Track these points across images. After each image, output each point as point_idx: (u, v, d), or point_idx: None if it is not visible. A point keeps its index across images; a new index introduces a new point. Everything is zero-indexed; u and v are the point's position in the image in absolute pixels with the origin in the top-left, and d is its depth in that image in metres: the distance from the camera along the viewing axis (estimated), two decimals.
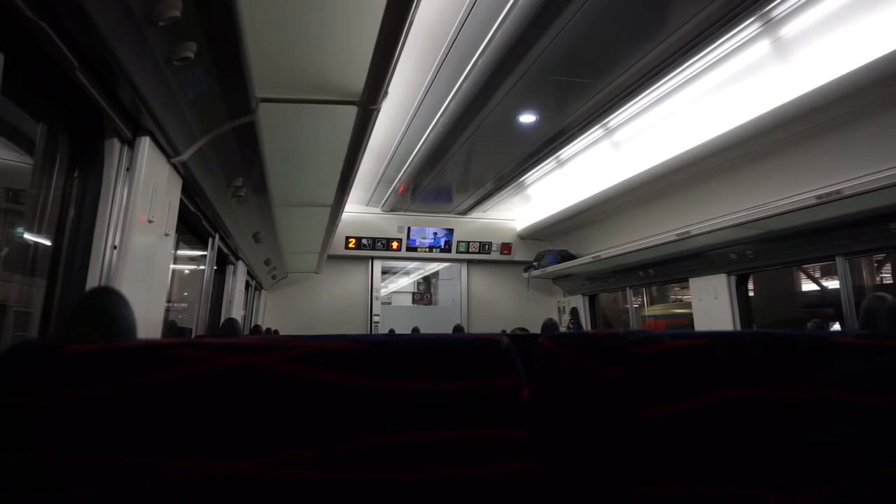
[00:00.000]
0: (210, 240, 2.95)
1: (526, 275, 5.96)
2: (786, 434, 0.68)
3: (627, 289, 5.12)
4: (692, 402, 0.66)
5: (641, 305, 9.95)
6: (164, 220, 1.76)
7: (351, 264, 6.26)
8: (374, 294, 6.31)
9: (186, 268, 3.63)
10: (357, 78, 1.55)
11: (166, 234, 1.78)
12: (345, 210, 5.71)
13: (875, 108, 2.48)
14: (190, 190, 2.11)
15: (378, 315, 6.23)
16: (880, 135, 2.54)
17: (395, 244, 6.01)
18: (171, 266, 3.65)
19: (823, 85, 2.46)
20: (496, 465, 0.63)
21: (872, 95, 2.38)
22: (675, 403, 0.66)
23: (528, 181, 4.84)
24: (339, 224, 5.78)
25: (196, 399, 0.56)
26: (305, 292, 6.19)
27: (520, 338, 1.49)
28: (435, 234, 6.01)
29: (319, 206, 3.09)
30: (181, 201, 2.01)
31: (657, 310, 9.63)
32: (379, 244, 6.02)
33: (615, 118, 3.49)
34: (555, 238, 5.72)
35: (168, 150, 1.68)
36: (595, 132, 3.73)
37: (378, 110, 1.80)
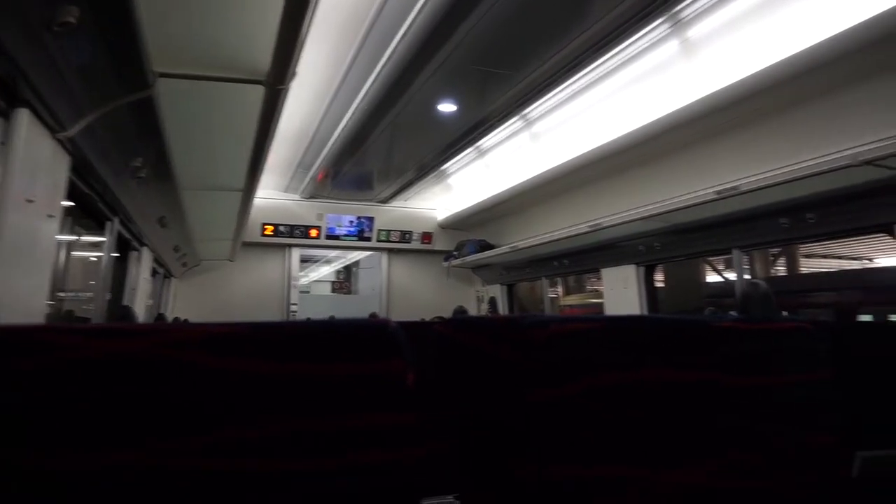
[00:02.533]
0: (108, 224, 2.76)
1: (446, 264, 5.99)
2: (669, 415, 0.71)
3: (543, 278, 5.25)
4: (582, 385, 0.67)
5: (560, 295, 10.28)
6: (47, 200, 1.61)
7: (268, 252, 6.07)
8: (293, 282, 6.15)
9: (92, 254, 3.39)
10: (262, 56, 1.47)
11: (50, 216, 1.64)
12: (261, 196, 5.56)
13: (772, 109, 2.64)
14: (81, 169, 1.96)
15: (296, 304, 6.08)
16: (775, 135, 2.71)
17: (313, 232, 5.88)
18: (74, 253, 3.40)
19: (725, 87, 2.59)
20: (384, 452, 0.61)
21: (769, 97, 2.54)
22: (565, 386, 0.66)
23: (450, 170, 4.86)
24: (255, 210, 5.58)
25: (66, 386, 0.50)
26: (220, 280, 5.95)
27: (419, 324, 1.48)
28: (353, 222, 5.92)
29: (229, 190, 2.95)
30: (71, 181, 1.86)
31: (574, 299, 9.98)
32: (297, 232, 5.86)
33: (534, 110, 3.55)
34: (475, 228, 5.78)
35: (52, 124, 1.54)
36: (515, 123, 3.78)
37: (286, 91, 1.73)
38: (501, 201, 4.73)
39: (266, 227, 5.79)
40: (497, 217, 5.23)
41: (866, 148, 2.11)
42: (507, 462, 0.66)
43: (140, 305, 3.71)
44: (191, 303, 5.79)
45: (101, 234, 2.87)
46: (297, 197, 5.80)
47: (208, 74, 1.63)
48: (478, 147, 4.23)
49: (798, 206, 2.74)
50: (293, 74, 1.61)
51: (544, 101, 3.40)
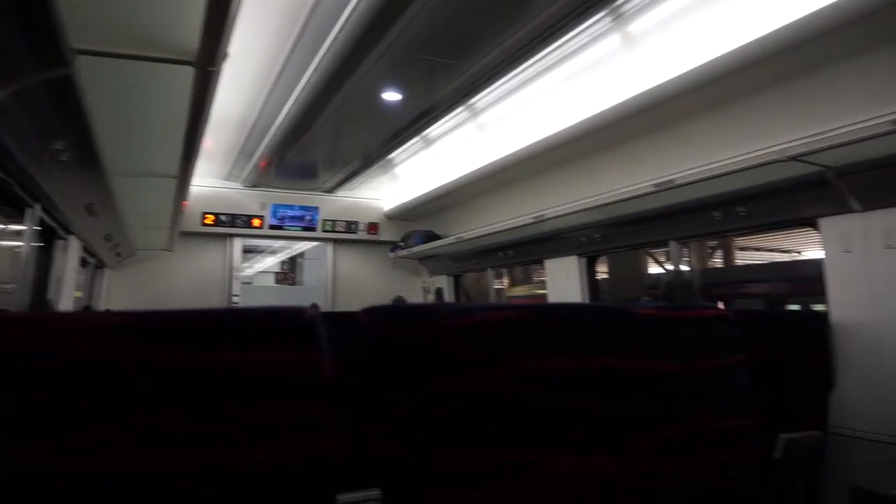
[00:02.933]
0: (29, 211, 2.60)
1: (392, 255, 5.95)
2: (588, 400, 0.71)
3: (489, 269, 5.29)
4: (502, 372, 0.66)
5: (508, 286, 10.39)
6: None
7: (208, 242, 5.88)
8: (234, 273, 5.99)
9: (17, 244, 3.19)
10: (190, 35, 1.40)
11: None
12: (200, 184, 5.39)
13: (706, 106, 2.72)
14: None
15: (238, 295, 5.93)
16: (710, 130, 2.80)
17: (256, 221, 5.73)
18: None
19: (663, 83, 2.65)
20: (296, 444, 0.59)
21: (703, 94, 2.61)
22: (485, 373, 0.65)
23: (396, 160, 4.82)
24: (194, 198, 5.41)
25: None
26: (157, 271, 5.73)
27: (342, 314, 1.45)
28: (296, 212, 5.81)
29: (163, 177, 2.83)
30: None
31: (522, 290, 10.11)
32: (239, 221, 5.70)
33: (480, 100, 3.55)
34: (421, 219, 5.76)
35: None
36: (461, 113, 3.77)
37: (217, 73, 1.66)
38: (448, 192, 4.73)
39: (206, 216, 5.61)
40: (444, 208, 5.22)
41: (792, 144, 2.20)
42: (430, 453, 0.65)
43: (67, 297, 3.53)
44: (126, 295, 5.56)
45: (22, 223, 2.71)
46: (239, 185, 5.64)
47: (132, 53, 1.54)
48: (424, 137, 4.21)
49: (730, 200, 2.84)
50: (224, 56, 1.55)
51: (490, 92, 3.40)
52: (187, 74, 1.64)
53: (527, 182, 4.04)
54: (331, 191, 5.76)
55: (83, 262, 4.33)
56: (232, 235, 5.90)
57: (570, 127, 3.23)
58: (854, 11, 1.94)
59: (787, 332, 2.36)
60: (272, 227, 5.78)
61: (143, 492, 0.52)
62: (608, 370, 0.74)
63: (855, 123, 2.04)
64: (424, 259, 6.00)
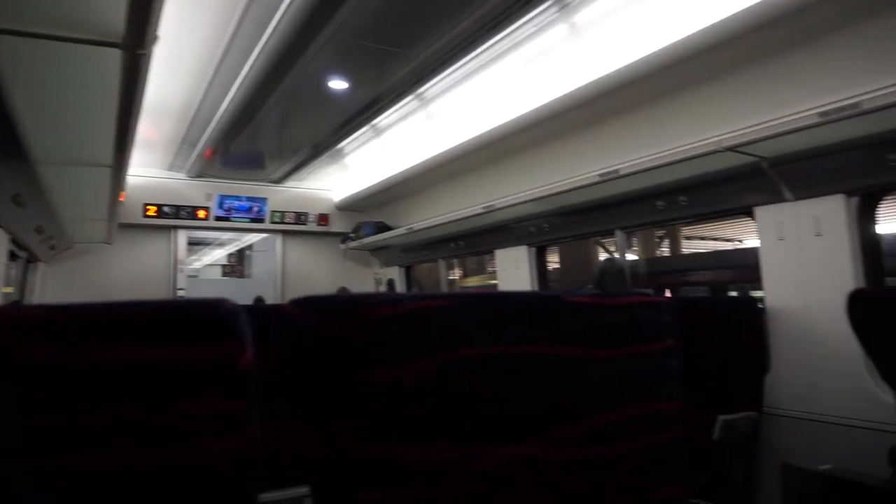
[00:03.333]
0: None
1: (343, 246, 5.88)
2: (518, 389, 0.70)
3: (440, 260, 5.29)
4: (429, 362, 0.65)
5: (461, 277, 10.43)
6: None
7: (151, 234, 5.68)
8: (179, 266, 5.80)
9: None
10: (115, 14, 1.33)
11: None
12: (141, 174, 5.20)
13: (649, 96, 2.77)
14: None
15: (183, 289, 5.75)
16: (653, 121, 2.86)
17: (201, 213, 5.55)
18: None
19: (608, 74, 2.69)
20: (207, 442, 0.56)
21: (646, 85, 2.66)
22: (412, 364, 0.64)
23: (346, 150, 4.74)
24: (135, 189, 5.21)
25: None
26: (96, 265, 5.50)
27: (270, 307, 1.42)
28: (243, 203, 5.66)
29: (96, 165, 2.70)
30: None
31: (475, 281, 10.17)
32: (183, 213, 5.52)
33: (429, 90, 3.53)
34: (372, 209, 5.71)
35: None
36: (410, 103, 3.73)
37: (148, 56, 1.58)
38: (399, 182, 4.69)
39: (148, 207, 5.41)
40: (395, 198, 5.18)
41: (728, 135, 2.27)
42: (359, 448, 0.63)
43: None
44: (63, 289, 5.31)
45: None
46: (182, 176, 5.46)
47: (53, 33, 1.45)
48: (374, 126, 4.15)
49: (673, 190, 2.91)
50: (154, 39, 1.47)
51: (439, 81, 3.38)
52: (115, 57, 1.56)
53: (477, 172, 4.05)
54: (279, 181, 5.63)
55: (12, 256, 4.11)
56: (176, 227, 5.71)
57: (519, 117, 3.24)
58: (786, 7, 2.00)
59: (724, 318, 2.44)
60: (218, 218, 5.61)
61: (41, 498, 0.49)
62: (538, 358, 0.73)
63: (786, 116, 2.11)
64: (376, 250, 5.96)
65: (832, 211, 2.32)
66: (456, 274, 9.92)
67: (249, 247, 7.33)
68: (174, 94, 3.60)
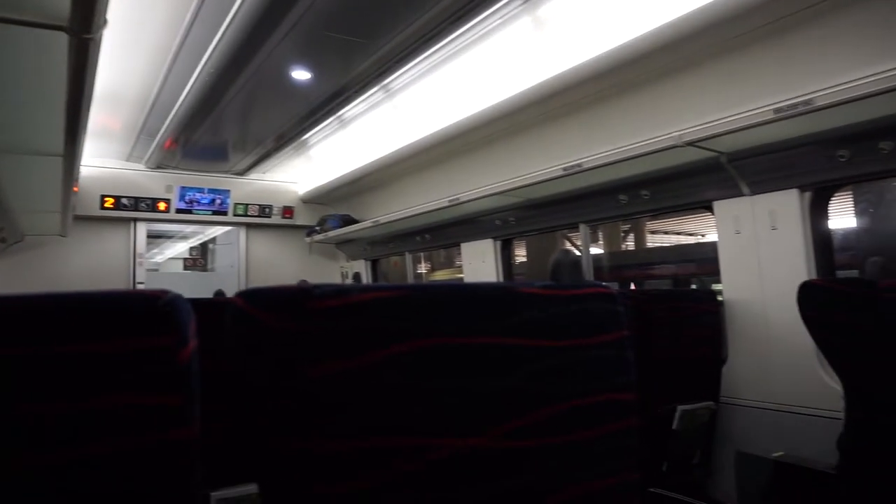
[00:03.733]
0: None
1: (308, 239, 5.81)
2: (471, 380, 0.70)
3: (407, 253, 5.27)
4: (379, 354, 0.64)
5: (429, 270, 10.43)
6: None
7: (109, 226, 5.51)
8: (139, 260, 5.65)
9: None
10: None
11: None
12: (97, 164, 5.04)
13: (611, 93, 2.80)
14: None
15: (143, 283, 5.61)
16: (615, 116, 2.89)
17: (161, 205, 5.41)
18: None
19: (572, 68, 2.70)
20: (146, 435, 0.54)
21: (608, 81, 2.69)
22: (361, 356, 0.63)
23: (311, 142, 4.68)
24: (91, 180, 5.05)
25: None
26: (51, 258, 5.31)
27: (214, 301, 1.39)
28: (206, 195, 5.54)
29: (46, 155, 2.60)
30: None
31: (444, 274, 10.18)
32: (143, 205, 5.37)
33: (394, 81, 3.49)
34: (338, 202, 5.65)
35: None
36: (375, 94, 3.70)
37: (97, 42, 1.52)
38: (365, 175, 4.65)
39: (106, 199, 5.24)
40: (361, 191, 5.14)
41: (688, 130, 2.30)
42: (307, 443, 0.62)
43: None
44: (15, 283, 5.12)
45: None
46: (142, 167, 5.30)
47: None
48: (339, 118, 4.10)
49: (635, 184, 2.95)
50: (102, 23, 1.42)
51: (404, 73, 3.35)
52: (62, 42, 1.50)
53: (443, 165, 4.04)
54: (243, 173, 5.53)
55: None
56: (135, 220, 5.56)
57: (484, 110, 3.24)
58: (747, 4, 2.04)
59: (684, 310, 2.49)
60: (179, 210, 5.48)
61: None
62: (491, 348, 0.73)
63: (745, 112, 2.15)
64: (342, 243, 5.90)
65: (787, 205, 2.38)
66: (424, 268, 9.93)
67: (213, 240, 7.19)
68: (131, 82, 3.50)
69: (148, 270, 5.86)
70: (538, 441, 0.73)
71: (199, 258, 6.66)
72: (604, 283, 0.90)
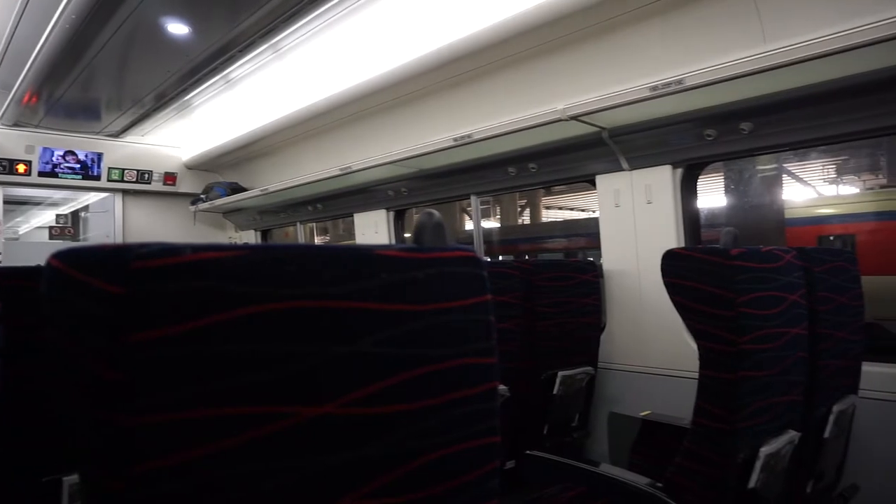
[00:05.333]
0: None
1: (193, 208, 5.48)
2: (321, 345, 0.67)
3: (299, 224, 5.11)
4: (216, 318, 0.59)
5: (329, 242, 10.22)
6: None
7: None
8: None
9: None
10: None
11: None
12: None
13: (503, 63, 2.82)
14: None
15: (0, 253, 5.06)
16: (506, 90, 2.92)
17: (21, 167, 4.87)
18: None
19: (465, 37, 2.70)
20: None
21: (501, 52, 2.70)
22: (196, 320, 0.58)
23: (195, 103, 4.37)
24: None
25: None
26: None
27: (35, 268, 1.27)
28: (75, 157, 5.05)
29: None
30: None
31: None
32: None
33: (282, 40, 3.32)
34: (226, 169, 5.36)
35: None
36: (264, 52, 3.50)
37: None
38: (254, 141, 4.43)
39: None
40: (250, 158, 4.90)
41: (571, 105, 2.36)
42: (131, 417, 0.56)
43: None
44: None
45: None
46: None
47: None
48: (225, 77, 3.86)
49: (523, 157, 3.00)
50: None
51: (294, 31, 3.19)
52: None
53: (335, 133, 3.93)
54: (118, 135, 5.09)
55: None
56: None
57: (377, 77, 3.17)
58: None
59: (566, 280, 2.58)
60: (42, 174, 4.96)
61: None
62: (345, 313, 0.70)
63: (624, 89, 2.24)
64: (230, 213, 5.62)
65: (661, 181, 2.52)
66: (322, 240, 9.71)
67: (86, 208, 6.61)
68: None
69: (7, 240, 5.29)
70: (391, 408, 0.71)
71: (69, 227, 6.09)
72: (466, 247, 0.89)
